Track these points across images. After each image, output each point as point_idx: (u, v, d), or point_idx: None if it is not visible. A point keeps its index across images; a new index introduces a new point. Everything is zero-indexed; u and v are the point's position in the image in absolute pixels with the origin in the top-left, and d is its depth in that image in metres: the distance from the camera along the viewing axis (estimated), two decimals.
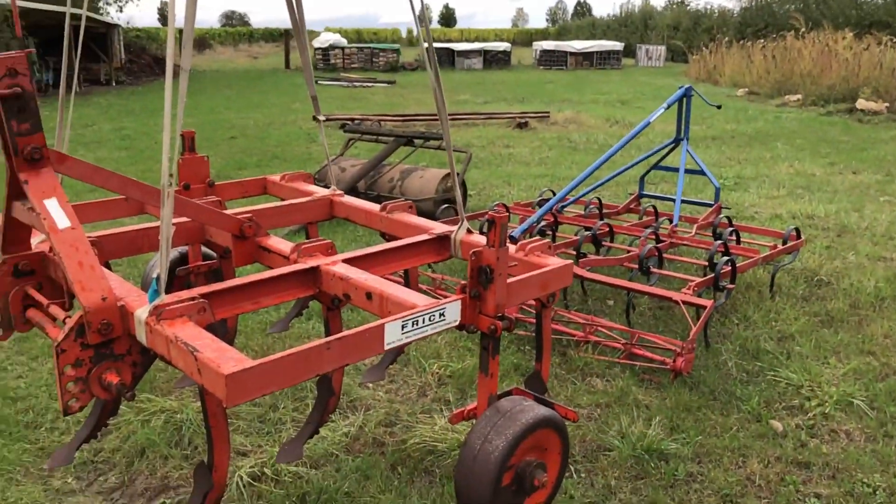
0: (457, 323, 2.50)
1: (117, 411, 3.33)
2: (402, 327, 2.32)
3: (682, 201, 6.29)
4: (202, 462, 2.46)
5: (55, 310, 2.62)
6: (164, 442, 3.42)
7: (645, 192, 6.42)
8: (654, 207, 5.94)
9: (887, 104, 14.91)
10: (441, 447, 3.30)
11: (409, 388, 4.01)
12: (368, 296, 2.54)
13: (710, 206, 5.95)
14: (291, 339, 4.55)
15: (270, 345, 4.47)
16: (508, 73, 31.75)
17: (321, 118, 3.61)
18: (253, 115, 16.29)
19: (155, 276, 2.27)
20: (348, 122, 14.33)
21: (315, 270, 2.73)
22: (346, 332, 2.19)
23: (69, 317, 2.52)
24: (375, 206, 3.50)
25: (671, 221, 5.44)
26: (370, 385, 3.96)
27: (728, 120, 15.34)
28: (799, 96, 17.68)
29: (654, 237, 5.02)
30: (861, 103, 15.25)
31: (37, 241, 2.83)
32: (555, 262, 2.91)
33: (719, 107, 7.68)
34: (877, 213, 7.63)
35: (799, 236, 5.30)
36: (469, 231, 3.11)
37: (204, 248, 3.75)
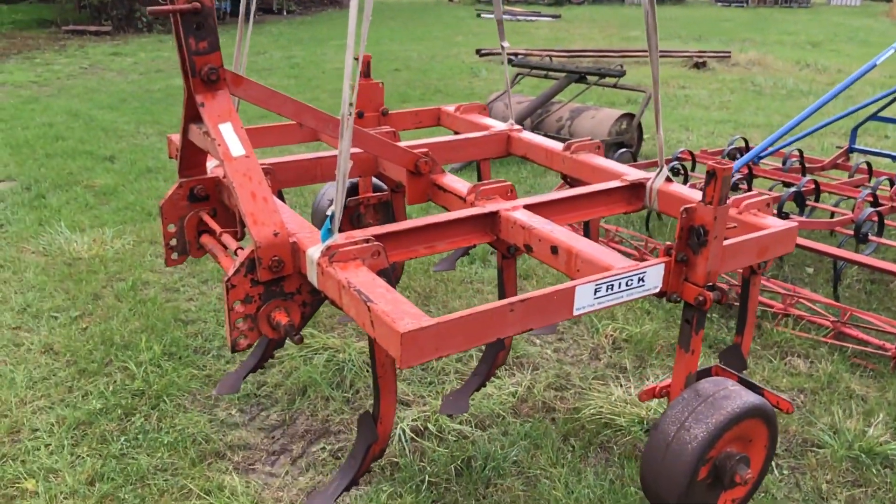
0: (657, 290, 2.14)
1: (283, 344, 3.24)
2: (595, 291, 1.99)
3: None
4: (367, 412, 2.29)
5: (227, 239, 2.49)
6: (325, 382, 3.32)
7: (856, 146, 5.62)
8: (869, 164, 5.17)
9: None
10: (619, 422, 2.98)
11: (580, 349, 3.69)
12: (554, 250, 2.23)
13: None
14: (454, 282, 4.33)
15: (433, 287, 4.27)
16: (682, 9, 29.73)
17: (505, 44, 3.26)
18: (416, 48, 16.13)
19: (330, 212, 2.06)
20: (512, 56, 13.91)
21: (494, 216, 2.44)
22: (531, 294, 1.89)
23: (241, 249, 2.38)
24: (558, 145, 3.15)
25: (892, 182, 4.70)
26: (538, 341, 3.68)
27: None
28: None
29: (871, 199, 4.33)
30: None
31: (212, 165, 2.72)
32: (775, 223, 2.46)
33: None
34: None
35: None
36: (668, 179, 2.71)
37: (374, 180, 3.56)
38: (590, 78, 7.38)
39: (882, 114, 5.53)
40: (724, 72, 12.90)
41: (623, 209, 2.72)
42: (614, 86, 7.25)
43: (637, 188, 2.72)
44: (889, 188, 4.57)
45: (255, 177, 2.14)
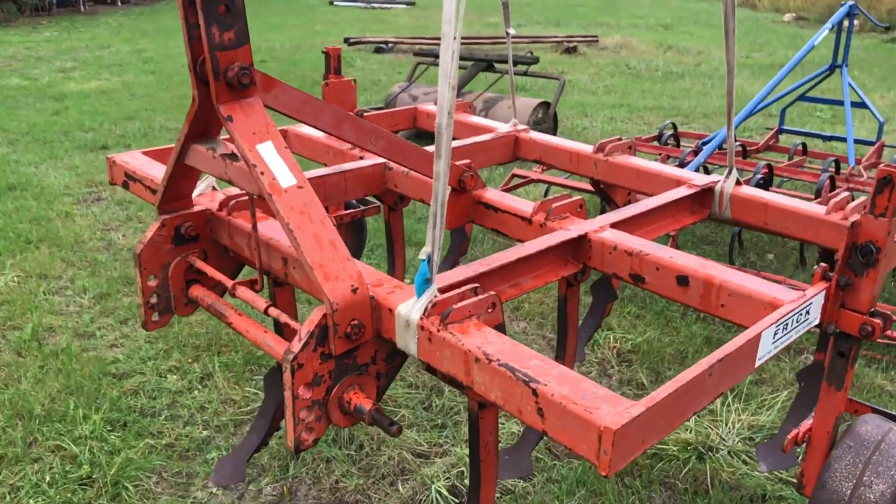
0: (816, 322, 1.80)
1: None
2: (774, 334, 1.62)
3: (832, 138, 5.54)
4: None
5: (245, 292, 1.90)
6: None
7: (785, 128, 5.64)
8: (804, 145, 5.18)
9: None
10: (670, 450, 2.66)
11: (587, 366, 3.35)
12: (683, 280, 1.83)
13: (871, 143, 5.19)
14: None
15: None
16: None
17: (511, 31, 2.82)
18: (276, 38, 15.22)
19: (425, 255, 1.55)
20: (382, 45, 13.39)
21: (583, 240, 2.01)
22: (725, 350, 1.48)
23: (271, 306, 1.81)
24: (583, 146, 2.75)
25: (838, 163, 4.69)
26: None
27: (784, 47, 14.38)
28: (856, 22, 16.65)
29: (829, 182, 4.27)
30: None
31: (197, 193, 2.11)
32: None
33: (888, 27, 6.81)
34: None
35: None
36: (738, 181, 2.39)
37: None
38: (499, 66, 7.07)
39: (807, 96, 5.58)
40: (595, 56, 13.04)
41: (690, 219, 2.38)
42: (525, 73, 6.96)
43: (704, 194, 2.38)
44: (845, 170, 4.56)
45: (317, 214, 1.60)
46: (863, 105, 5.26)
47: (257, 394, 3.17)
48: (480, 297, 1.57)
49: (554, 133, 6.78)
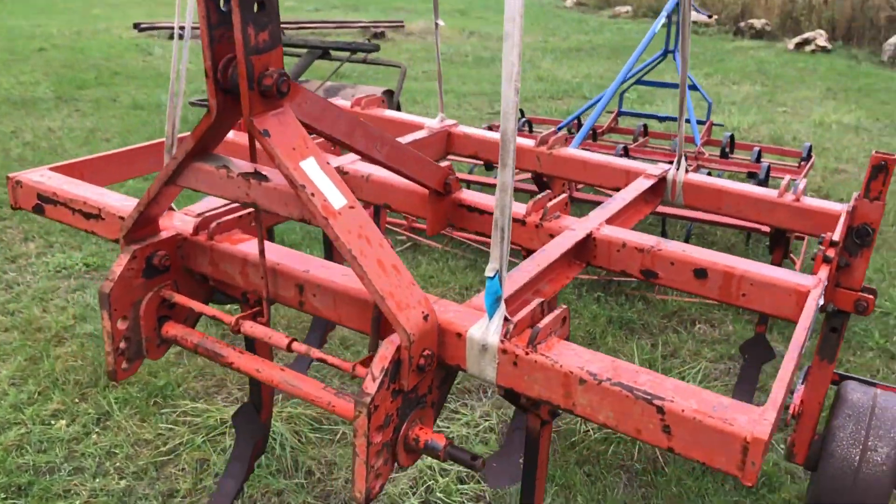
0: (821, 305, 1.91)
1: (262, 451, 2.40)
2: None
3: (665, 118, 5.96)
4: None
5: (253, 328, 1.67)
6: (263, 470, 2.58)
7: (623, 110, 5.99)
8: (645, 126, 5.54)
9: (716, 16, 15.62)
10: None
11: None
12: (701, 273, 1.87)
13: (702, 123, 5.65)
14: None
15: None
16: None
17: (440, 22, 2.71)
18: (50, 23, 13.69)
19: (492, 273, 1.45)
20: (181, 32, 12.48)
21: (588, 239, 1.99)
22: (796, 346, 1.52)
23: (295, 341, 1.61)
24: (525, 140, 2.72)
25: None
26: None
27: (575, 31, 15.31)
28: (629, 8, 18.05)
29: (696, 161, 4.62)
30: (694, 15, 15.84)
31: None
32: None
33: (710, 16, 7.36)
34: (793, 123, 7.86)
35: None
36: (686, 170, 2.49)
37: None
38: (335, 53, 6.86)
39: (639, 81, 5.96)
40: (404, 41, 13.09)
41: (647, 210, 2.43)
42: (363, 61, 6.81)
43: (658, 183, 2.45)
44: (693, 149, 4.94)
45: (374, 236, 1.43)
46: (693, 87, 5.71)
47: (173, 429, 2.85)
48: (555, 312, 1.49)
49: None
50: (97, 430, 2.85)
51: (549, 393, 1.41)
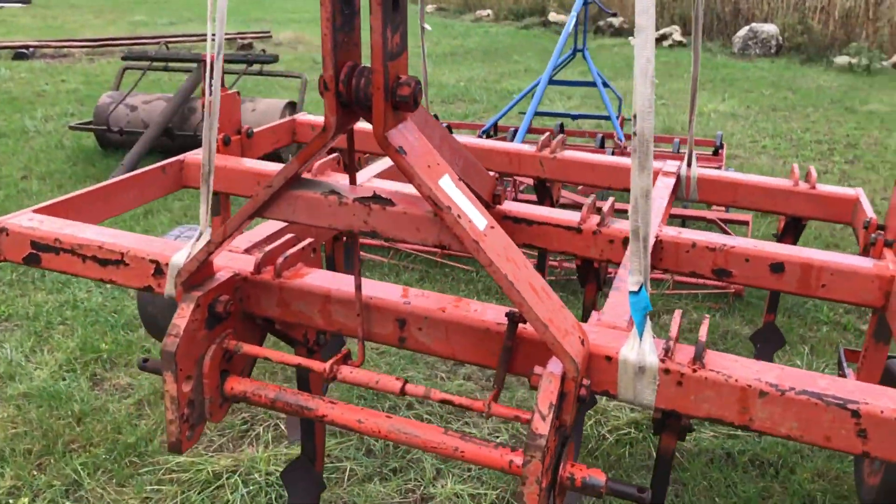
0: None
1: None
2: None
3: (579, 117, 6.05)
4: None
5: (356, 374, 1.47)
6: None
7: (539, 111, 6.02)
8: (563, 125, 5.60)
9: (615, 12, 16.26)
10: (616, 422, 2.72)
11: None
12: (777, 268, 1.84)
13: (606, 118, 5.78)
14: None
15: None
16: None
17: (427, 27, 2.57)
18: None
19: (636, 286, 1.34)
20: (23, 51, 11.50)
21: (657, 243, 1.92)
22: None
23: (408, 383, 1.43)
24: (524, 146, 2.62)
25: (601, 140, 5.17)
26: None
27: (444, 36, 15.41)
28: (489, 11, 18.39)
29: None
30: (553, 16, 16.35)
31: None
32: None
33: (614, 14, 7.50)
34: (676, 114, 8.24)
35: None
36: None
37: None
38: (228, 66, 6.49)
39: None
40: (276, 51, 12.68)
41: (671, 208, 2.40)
42: (260, 73, 6.49)
43: (676, 182, 2.43)
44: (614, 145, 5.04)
45: (519, 258, 1.29)
46: (605, 84, 5.83)
47: (161, 489, 2.54)
48: (704, 324, 1.40)
49: None
50: (70, 503, 2.50)
51: (722, 411, 1.32)
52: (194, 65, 6.45)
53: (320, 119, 2.86)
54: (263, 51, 6.68)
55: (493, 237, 1.26)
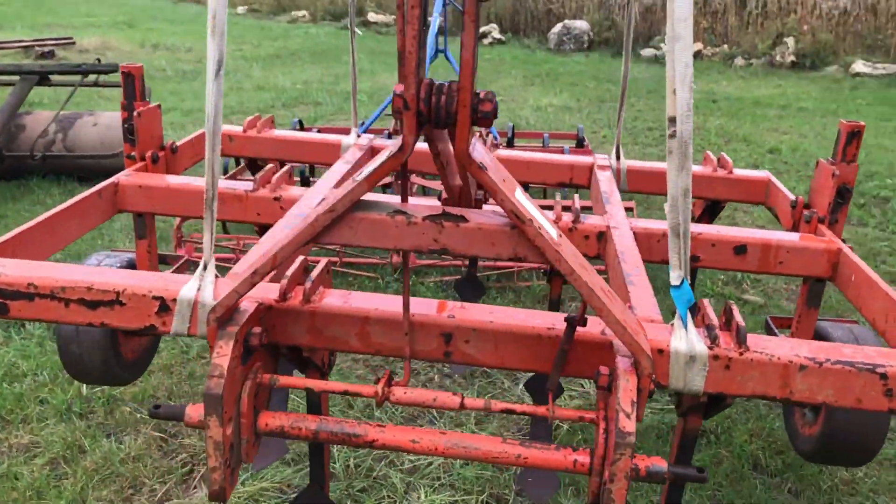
0: None
1: None
2: None
3: None
4: None
5: (411, 394, 1.43)
6: None
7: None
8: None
9: (394, 16, 16.40)
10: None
11: None
12: (740, 250, 2.01)
13: None
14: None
15: None
16: None
17: (358, 32, 2.51)
18: None
19: (679, 279, 1.44)
20: None
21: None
22: None
23: (465, 396, 1.43)
24: None
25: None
26: None
27: (263, 38, 14.99)
28: (305, 12, 18.10)
29: None
30: (372, 16, 16.42)
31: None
32: None
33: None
34: (517, 109, 8.59)
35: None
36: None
37: None
38: (58, 78, 5.95)
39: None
40: (82, 58, 11.73)
41: None
42: (95, 84, 6.01)
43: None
44: None
45: (586, 263, 1.32)
46: None
47: None
48: (734, 310, 1.50)
49: None
50: None
51: (765, 388, 1.42)
52: (16, 77, 5.86)
53: (236, 129, 2.71)
54: (98, 59, 6.16)
55: (566, 246, 1.28)
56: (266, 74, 10.76)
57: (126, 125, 2.30)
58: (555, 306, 2.19)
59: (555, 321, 1.46)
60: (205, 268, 1.49)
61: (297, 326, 1.47)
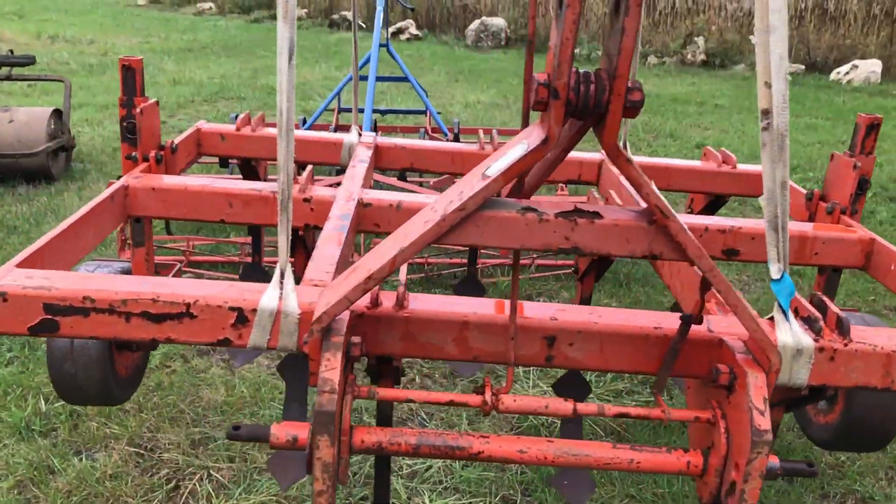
0: None
1: None
2: None
3: (388, 112, 6.02)
4: None
5: (521, 402, 1.35)
6: None
7: (344, 107, 5.88)
8: (375, 121, 5.55)
9: (307, 10, 16.09)
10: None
11: None
12: (731, 254, 2.03)
13: (422, 112, 5.87)
14: None
15: None
16: None
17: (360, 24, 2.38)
18: None
19: (779, 274, 1.43)
20: None
21: None
22: None
23: (578, 402, 1.37)
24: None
25: (424, 134, 5.23)
26: None
27: (170, 31, 14.38)
28: (211, 4, 17.49)
29: None
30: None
31: None
32: None
33: (413, 9, 7.32)
34: (447, 105, 8.55)
35: None
36: None
37: None
38: None
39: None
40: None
41: None
42: (8, 77, 5.58)
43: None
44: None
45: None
46: (404, 79, 5.87)
47: None
48: (830, 302, 1.50)
49: (72, 145, 5.67)
50: None
51: (868, 378, 1.42)
52: None
53: (226, 127, 2.52)
54: (11, 52, 5.71)
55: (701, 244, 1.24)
56: (180, 68, 10.31)
57: (125, 123, 2.09)
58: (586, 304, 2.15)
59: (660, 320, 1.41)
60: (282, 275, 1.36)
61: (390, 334, 1.36)
